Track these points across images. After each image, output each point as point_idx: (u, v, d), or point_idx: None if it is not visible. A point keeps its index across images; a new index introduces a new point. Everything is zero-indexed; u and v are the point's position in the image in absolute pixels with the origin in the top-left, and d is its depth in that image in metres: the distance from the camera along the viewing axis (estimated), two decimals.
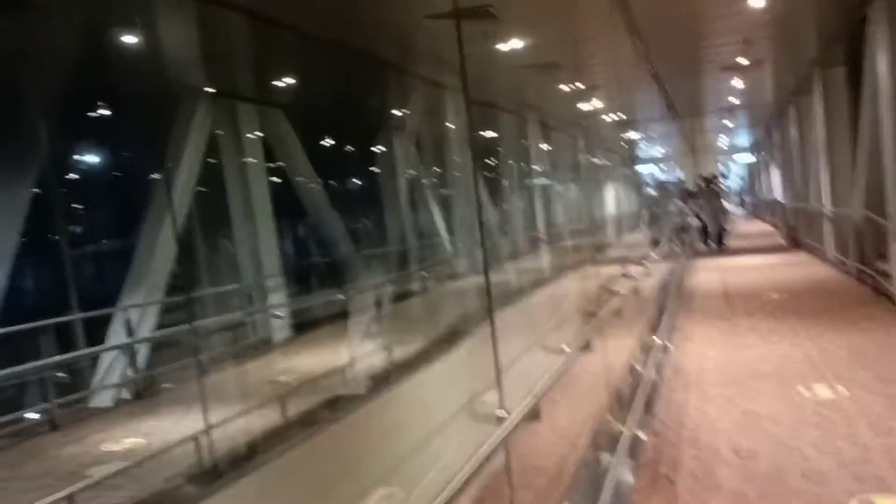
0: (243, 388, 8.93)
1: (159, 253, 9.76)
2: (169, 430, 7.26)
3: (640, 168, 41.23)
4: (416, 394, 8.75)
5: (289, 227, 13.60)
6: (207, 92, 11.11)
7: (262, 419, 7.11)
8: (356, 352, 9.99)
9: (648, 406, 6.11)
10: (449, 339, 10.88)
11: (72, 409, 8.49)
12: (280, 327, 11.99)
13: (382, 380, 8.67)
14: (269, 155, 13.04)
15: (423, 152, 18.91)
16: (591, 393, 6.61)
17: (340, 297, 12.14)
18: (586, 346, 6.61)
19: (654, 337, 8.14)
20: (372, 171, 17.40)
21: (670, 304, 11.22)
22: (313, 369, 9.60)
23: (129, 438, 7.10)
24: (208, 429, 6.63)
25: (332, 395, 7.91)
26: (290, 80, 12.39)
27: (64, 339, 9.66)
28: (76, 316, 9.13)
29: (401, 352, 9.86)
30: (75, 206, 10.68)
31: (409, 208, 17.95)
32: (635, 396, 5.96)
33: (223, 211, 11.61)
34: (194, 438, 6.48)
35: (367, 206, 17.51)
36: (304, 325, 12.23)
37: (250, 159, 12.02)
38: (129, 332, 9.03)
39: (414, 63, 14.86)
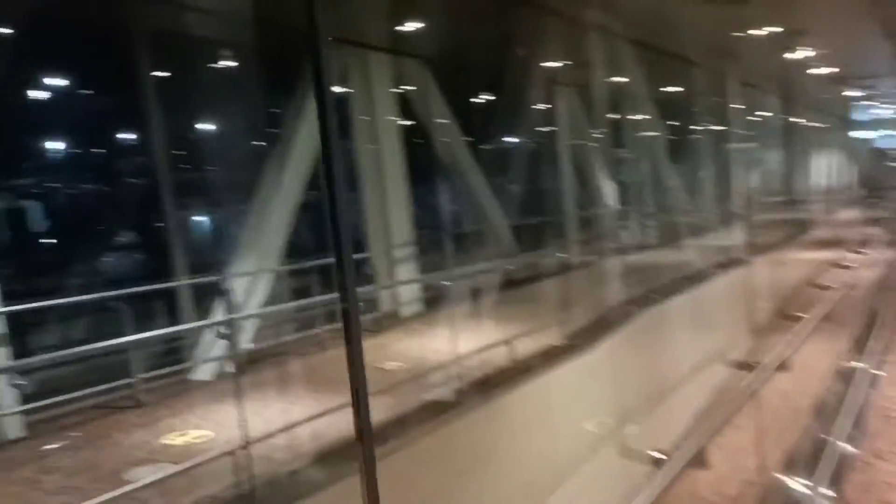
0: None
1: (274, 220, 8.93)
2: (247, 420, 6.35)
3: (861, 133, 35.67)
4: (530, 408, 7.23)
5: (425, 192, 12.38)
6: (334, 40, 10.04)
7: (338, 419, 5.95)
8: (472, 340, 8.62)
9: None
10: (591, 332, 9.17)
11: (170, 380, 7.93)
12: (408, 302, 10.89)
13: (489, 384, 7.22)
14: (407, 112, 11.86)
15: (592, 110, 16.89)
16: (782, 434, 4.69)
17: (473, 271, 10.77)
18: (781, 365, 4.75)
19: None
20: (529, 131, 15.72)
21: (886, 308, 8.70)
22: (422, 358, 8.36)
23: (197, 431, 6.25)
24: (289, 426, 5.61)
25: (418, 403, 6.57)
26: (431, 27, 11.06)
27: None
28: (179, 283, 8.60)
29: (528, 344, 8.33)
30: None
31: (572, 173, 16.11)
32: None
33: (348, 174, 10.63)
34: (263, 439, 5.47)
35: (521, 170, 15.89)
36: (434, 301, 11.06)
37: (384, 116, 10.89)
38: (231, 303, 8.26)
39: (582, 6, 12.99)
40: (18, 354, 6.72)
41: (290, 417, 5.98)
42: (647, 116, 19.28)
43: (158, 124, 9.39)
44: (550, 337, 8.76)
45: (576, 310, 9.46)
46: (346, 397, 2.65)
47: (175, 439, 6.11)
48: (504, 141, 14.49)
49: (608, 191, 17.81)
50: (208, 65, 9.63)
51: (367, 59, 10.63)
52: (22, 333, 7.51)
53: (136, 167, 11.28)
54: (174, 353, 8.45)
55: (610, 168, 18.75)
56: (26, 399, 6.41)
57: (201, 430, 6.34)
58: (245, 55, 10.07)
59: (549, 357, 8.23)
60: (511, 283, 12.20)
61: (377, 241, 10.87)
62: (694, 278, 12.86)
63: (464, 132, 13.08)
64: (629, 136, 19.71)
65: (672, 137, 21.83)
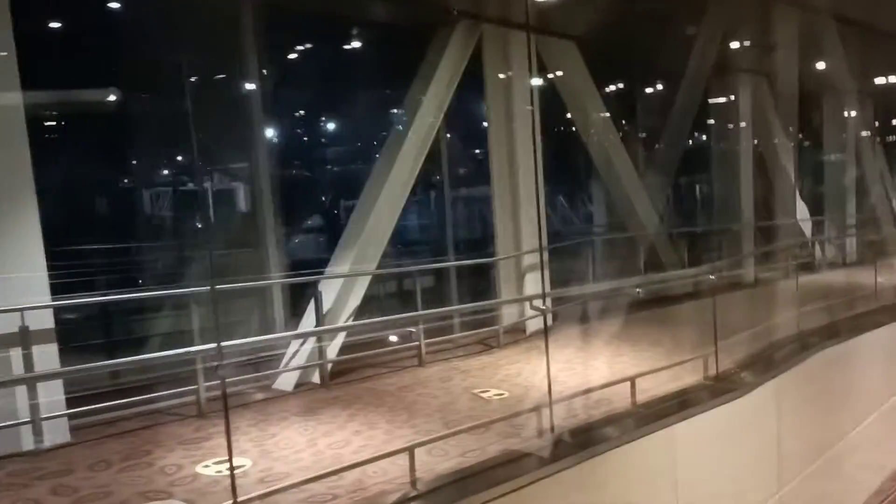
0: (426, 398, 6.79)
1: (375, 217, 8.00)
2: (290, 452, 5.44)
3: None
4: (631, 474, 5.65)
5: (566, 190, 10.92)
6: (467, 16, 8.95)
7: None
8: (596, 367, 7.15)
9: None
10: (746, 368, 7.34)
11: (256, 385, 7.25)
12: (537, 317, 9.52)
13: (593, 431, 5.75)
14: (552, 100, 10.48)
15: (783, 102, 14.46)
16: None
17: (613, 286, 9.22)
18: None
19: None
20: (702, 125, 13.65)
21: None
22: (531, 386, 7.00)
23: (239, 459, 5.39)
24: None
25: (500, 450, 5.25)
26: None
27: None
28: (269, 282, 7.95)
29: (661, 381, 6.71)
30: None
31: (754, 175, 13.81)
32: None
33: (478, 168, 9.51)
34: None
35: (691, 172, 13.83)
36: (568, 317, 9.63)
37: (521, 104, 9.60)
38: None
39: None
40: None
41: None
42: (852, 112, 16.34)
43: None
44: (694, 372, 7.06)
45: (730, 339, 7.64)
46: None
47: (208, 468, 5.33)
48: (669, 136, 12.60)
49: (800, 198, 15.23)
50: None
51: (506, 39, 9.40)
52: None
53: None
54: None
55: (807, 172, 16.11)
56: None
57: None
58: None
59: (686, 397, 6.57)
60: (657, 302, 10.46)
61: (505, 242, 9.61)
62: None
63: (618, 124, 11.46)
64: (833, 133, 16.88)
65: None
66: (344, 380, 7.40)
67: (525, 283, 9.40)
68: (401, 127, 8.55)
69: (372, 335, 8.07)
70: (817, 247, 14.99)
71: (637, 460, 5.83)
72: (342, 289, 7.56)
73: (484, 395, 6.86)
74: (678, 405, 6.45)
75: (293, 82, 9.83)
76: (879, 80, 16.78)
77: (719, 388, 6.86)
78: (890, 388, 9.13)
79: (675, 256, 11.67)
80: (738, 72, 13.48)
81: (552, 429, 5.62)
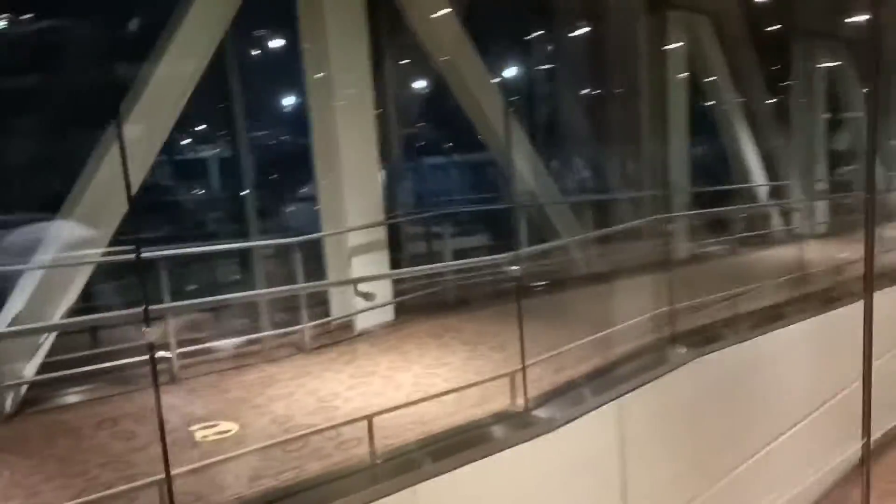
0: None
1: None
2: None
3: None
4: None
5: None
6: None
7: None
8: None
9: None
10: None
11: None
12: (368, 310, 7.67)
13: None
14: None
15: (731, 47, 12.44)
16: None
17: None
18: None
19: None
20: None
21: None
22: (277, 417, 5.17)
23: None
24: None
25: None
26: None
27: None
28: None
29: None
30: None
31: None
32: None
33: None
34: None
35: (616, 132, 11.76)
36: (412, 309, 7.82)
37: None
38: None
39: None
40: None
41: None
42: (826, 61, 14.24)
43: None
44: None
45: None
46: None
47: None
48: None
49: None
50: None
51: None
52: None
53: None
54: None
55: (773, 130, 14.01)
56: None
57: None
58: None
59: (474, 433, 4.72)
60: (546, 286, 8.57)
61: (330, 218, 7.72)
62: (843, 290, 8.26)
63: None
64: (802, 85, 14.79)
65: None
66: (42, 408, 5.64)
67: (352, 266, 7.50)
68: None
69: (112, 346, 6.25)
70: (777, 217, 12.91)
71: None
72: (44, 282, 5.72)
73: (204, 431, 5.05)
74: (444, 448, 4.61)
75: None
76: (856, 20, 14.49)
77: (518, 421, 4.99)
78: (802, 406, 7.12)
79: (578, 231, 9.69)
80: (670, 9, 11.39)
81: None
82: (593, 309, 6.98)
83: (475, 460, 4.60)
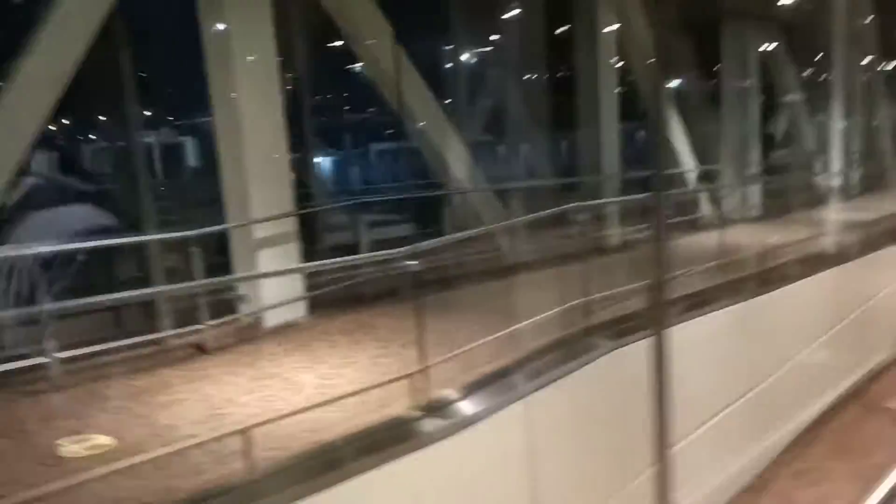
0: None
1: None
2: None
3: None
4: None
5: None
6: None
7: None
8: None
9: None
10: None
11: None
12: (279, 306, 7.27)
13: None
14: None
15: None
16: None
17: None
18: None
19: None
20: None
21: None
22: (160, 427, 4.78)
23: None
24: None
25: None
26: None
27: None
28: None
29: None
30: None
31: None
32: None
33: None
34: None
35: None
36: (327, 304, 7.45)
37: None
38: None
39: None
40: None
41: None
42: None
43: None
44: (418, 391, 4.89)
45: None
46: None
47: None
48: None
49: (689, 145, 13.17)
50: None
51: None
52: None
53: None
54: None
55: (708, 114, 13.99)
56: None
57: None
58: None
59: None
60: (470, 278, 8.27)
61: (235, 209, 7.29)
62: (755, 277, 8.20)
63: None
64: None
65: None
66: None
67: (258, 261, 7.09)
68: None
69: None
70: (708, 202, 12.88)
71: None
72: None
73: (74, 446, 4.62)
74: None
75: None
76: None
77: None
78: (722, 396, 7.01)
79: (504, 219, 9.44)
80: None
81: None
82: (512, 302, 6.71)
83: (366, 471, 4.31)
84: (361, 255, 7.88)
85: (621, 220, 10.59)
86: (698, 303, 7.21)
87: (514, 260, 7.97)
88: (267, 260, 7.02)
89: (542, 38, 11.70)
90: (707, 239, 9.75)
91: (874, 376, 10.47)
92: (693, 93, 13.70)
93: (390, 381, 4.94)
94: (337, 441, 4.49)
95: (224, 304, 6.94)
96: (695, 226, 11.93)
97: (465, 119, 12.07)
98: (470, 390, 5.14)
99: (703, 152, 13.37)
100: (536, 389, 5.14)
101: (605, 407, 5.70)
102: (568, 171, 11.39)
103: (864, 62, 17.14)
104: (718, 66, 14.87)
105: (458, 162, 9.17)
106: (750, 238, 9.73)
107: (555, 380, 5.33)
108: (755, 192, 14.39)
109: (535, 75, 13.27)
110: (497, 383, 5.26)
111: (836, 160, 14.09)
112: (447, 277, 7.53)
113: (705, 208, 12.67)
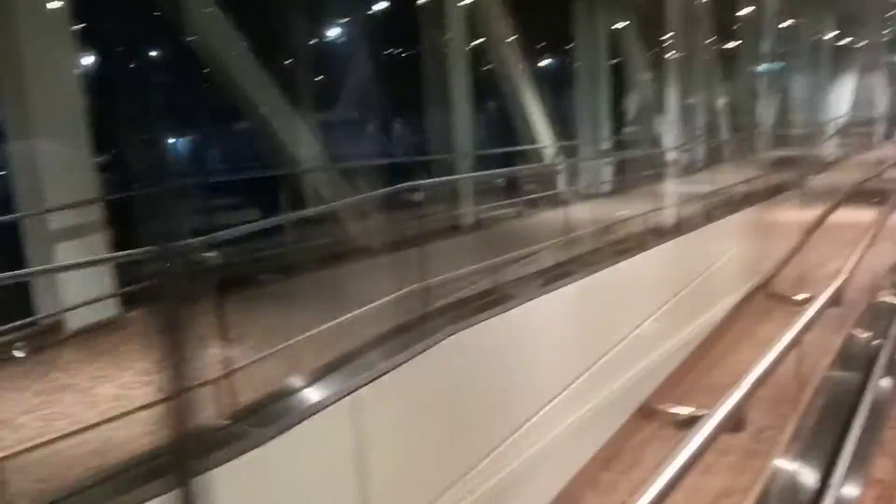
0: None
1: None
2: None
3: None
4: None
5: None
6: None
7: None
8: None
9: None
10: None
11: None
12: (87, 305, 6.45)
13: None
14: None
15: None
16: None
17: None
18: None
19: None
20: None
21: None
22: None
23: None
24: None
25: None
26: None
27: None
28: None
29: None
30: None
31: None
32: None
33: None
34: None
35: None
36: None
37: None
38: None
39: None
40: None
41: None
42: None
43: None
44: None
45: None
46: None
47: None
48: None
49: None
50: None
51: None
52: None
53: None
54: None
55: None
56: None
57: None
58: None
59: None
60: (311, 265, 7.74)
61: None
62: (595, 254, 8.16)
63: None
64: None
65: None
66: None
67: (56, 254, 6.23)
68: None
69: None
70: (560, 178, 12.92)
71: None
72: None
73: None
74: None
75: None
76: None
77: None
78: (564, 376, 6.88)
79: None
80: None
81: None
82: (349, 289, 6.27)
83: (161, 494, 3.73)
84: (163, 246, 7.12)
85: (474, 199, 10.40)
86: (551, 278, 7.05)
87: (353, 245, 7.52)
88: (65, 253, 6.18)
89: (398, 13, 11.26)
90: (555, 216, 9.68)
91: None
92: (551, 70, 13.71)
93: (195, 387, 4.35)
94: (128, 462, 3.88)
95: (16, 305, 6.06)
96: (551, 202, 11.93)
97: (317, 98, 11.41)
98: (291, 389, 4.66)
99: (561, 129, 13.46)
100: (366, 383, 4.73)
101: (441, 397, 5.39)
102: (420, 149, 11.04)
103: (706, 42, 17.84)
104: (571, 44, 14.99)
105: (300, 143, 8.59)
106: (597, 213, 9.77)
107: (386, 373, 4.93)
108: (607, 169, 14.68)
109: (391, 52, 12.86)
110: (322, 380, 4.80)
111: (681, 136, 14.58)
112: (278, 266, 6.97)
113: (560, 185, 12.73)
